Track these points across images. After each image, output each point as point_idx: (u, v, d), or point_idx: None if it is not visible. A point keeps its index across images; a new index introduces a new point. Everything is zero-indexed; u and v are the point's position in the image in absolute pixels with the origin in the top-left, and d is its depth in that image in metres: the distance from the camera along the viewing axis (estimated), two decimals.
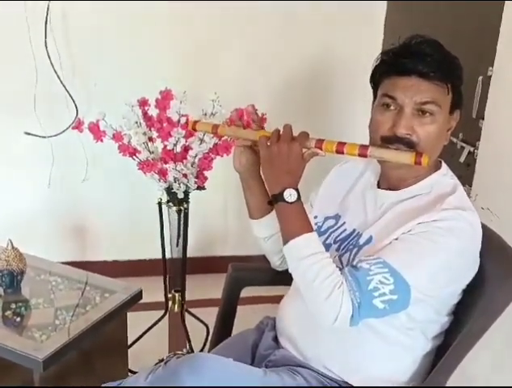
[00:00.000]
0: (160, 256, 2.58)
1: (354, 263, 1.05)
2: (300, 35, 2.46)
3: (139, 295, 1.66)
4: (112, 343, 1.65)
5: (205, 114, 1.78)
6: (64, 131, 2.31)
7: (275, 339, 1.25)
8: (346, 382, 1.12)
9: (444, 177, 1.14)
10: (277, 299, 2.27)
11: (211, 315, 2.19)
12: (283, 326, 1.23)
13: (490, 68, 1.61)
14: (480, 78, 1.60)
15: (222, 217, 2.69)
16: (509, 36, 1.53)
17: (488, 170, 1.63)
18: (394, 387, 1.12)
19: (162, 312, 2.03)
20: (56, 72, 2.23)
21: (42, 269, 1.75)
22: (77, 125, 1.61)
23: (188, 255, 1.95)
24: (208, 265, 2.64)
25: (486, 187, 1.60)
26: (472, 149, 1.71)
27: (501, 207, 1.53)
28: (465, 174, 1.67)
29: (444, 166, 1.17)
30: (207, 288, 2.46)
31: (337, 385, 1.11)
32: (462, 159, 1.72)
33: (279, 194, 1.06)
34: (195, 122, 1.27)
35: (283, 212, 1.07)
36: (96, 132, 1.61)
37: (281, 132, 1.11)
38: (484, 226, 1.10)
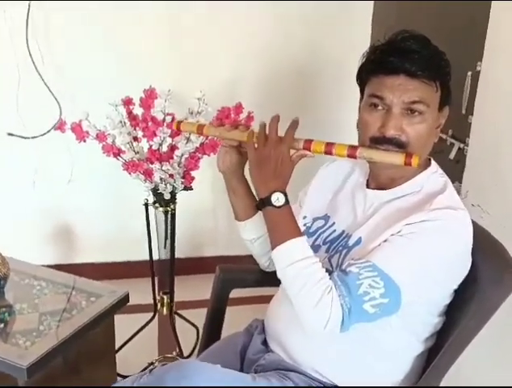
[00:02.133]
0: (144, 258, 2.58)
1: (344, 266, 1.03)
2: (287, 34, 2.43)
3: (126, 298, 1.63)
4: (99, 347, 1.62)
5: (191, 113, 1.75)
6: (48, 131, 2.27)
7: (264, 342, 1.22)
8: (337, 386, 1.10)
9: (434, 175, 1.12)
10: (266, 299, 2.25)
11: (201, 317, 2.18)
12: (272, 330, 1.20)
13: (479, 63, 1.59)
14: (469, 73, 1.58)
15: (210, 217, 2.66)
16: (497, 31, 1.51)
17: (478, 166, 1.61)
18: (387, 387, 1.10)
19: (151, 314, 2.01)
20: (38, 71, 2.18)
21: (26, 273, 1.71)
22: (60, 126, 1.57)
23: (176, 256, 1.93)
24: (197, 266, 2.61)
25: (477, 183, 1.58)
26: (461, 145, 1.69)
27: (491, 203, 1.52)
28: (455, 170, 1.66)
29: (434, 163, 1.15)
30: (196, 289, 2.43)
31: None
32: (452, 156, 1.70)
33: (266, 198, 1.04)
34: (179, 122, 1.23)
35: (270, 217, 1.05)
36: (79, 132, 1.58)
37: (267, 132, 1.08)
38: (475, 224, 1.08)
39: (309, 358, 1.11)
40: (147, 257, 2.59)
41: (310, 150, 1.08)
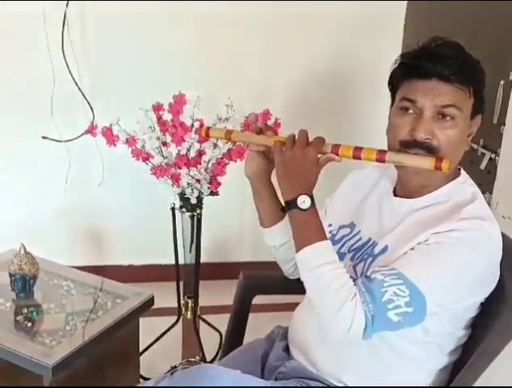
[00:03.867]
0: (172, 261, 2.60)
1: (368, 273, 1.02)
2: (316, 36, 2.42)
3: (151, 301, 1.65)
4: (124, 349, 1.64)
5: (220, 119, 1.76)
6: (80, 135, 2.31)
7: (286, 349, 1.22)
8: None
9: (463, 185, 1.10)
10: (289, 307, 2.24)
11: (224, 322, 2.18)
12: (295, 337, 1.19)
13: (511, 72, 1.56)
14: (502, 82, 1.55)
15: (237, 223, 2.67)
16: None
17: (509, 177, 1.58)
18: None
19: (175, 318, 2.02)
20: (72, 76, 2.23)
21: (55, 273, 1.75)
22: (91, 130, 1.60)
23: (201, 261, 1.93)
24: (222, 271, 2.61)
25: (507, 194, 1.55)
26: (492, 155, 1.66)
27: None
28: (486, 181, 1.63)
29: (463, 173, 1.13)
30: (220, 294, 2.43)
31: None
32: (482, 166, 1.67)
33: (292, 201, 1.03)
34: (208, 128, 1.24)
35: (296, 220, 1.04)
36: (109, 136, 1.61)
37: (296, 138, 1.08)
38: (505, 236, 1.06)
39: (333, 367, 1.10)
40: (172, 261, 2.62)
41: (338, 155, 1.07)
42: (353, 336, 0.96)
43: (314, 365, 1.13)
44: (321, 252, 1.02)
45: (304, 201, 1.03)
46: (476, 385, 1.06)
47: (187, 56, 2.36)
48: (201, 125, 1.64)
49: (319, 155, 1.07)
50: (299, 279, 1.34)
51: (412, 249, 1.02)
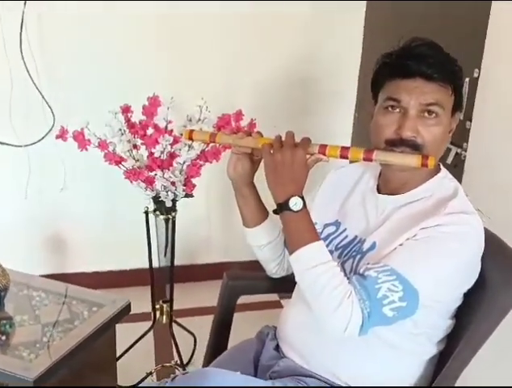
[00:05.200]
0: (142, 266, 2.55)
1: (361, 270, 1.03)
2: (279, 36, 2.43)
3: (128, 307, 1.61)
4: (101, 358, 1.59)
5: (190, 120, 1.75)
6: (40, 139, 2.24)
7: (277, 348, 1.22)
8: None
9: (444, 180, 1.14)
10: (269, 305, 2.25)
11: (197, 325, 2.17)
12: (285, 335, 1.20)
13: (476, 70, 1.62)
14: (467, 79, 1.61)
15: (205, 225, 2.65)
16: (496, 38, 1.54)
17: (477, 171, 1.64)
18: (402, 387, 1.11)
19: (146, 323, 1.99)
20: (32, 78, 2.15)
21: (24, 284, 1.68)
22: (61, 134, 1.55)
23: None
24: (191, 273, 2.60)
25: (476, 188, 1.60)
26: (459, 150, 1.72)
27: (491, 208, 1.54)
28: (453, 175, 1.68)
29: (443, 169, 1.17)
30: (191, 297, 2.43)
31: None
32: (449, 161, 1.73)
33: (284, 203, 1.03)
34: (191, 131, 1.22)
35: (288, 221, 1.05)
36: (81, 140, 1.56)
37: (283, 139, 1.09)
38: (484, 228, 1.10)
39: (325, 362, 1.12)
40: (141, 265, 2.57)
41: (325, 155, 1.08)
42: (350, 334, 0.98)
43: (307, 362, 1.14)
44: (316, 253, 1.03)
45: (295, 203, 1.03)
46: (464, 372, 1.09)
47: (150, 56, 2.32)
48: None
49: (307, 156, 1.08)
50: (283, 278, 1.37)
51: (401, 245, 1.05)
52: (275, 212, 1.08)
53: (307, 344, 1.14)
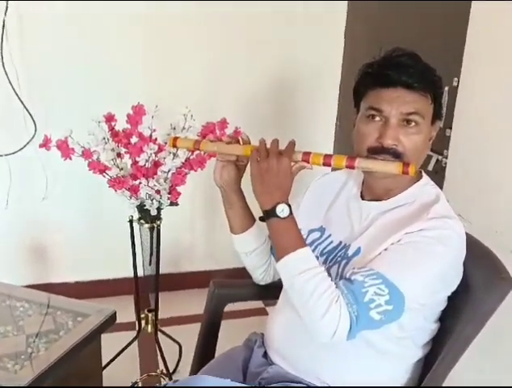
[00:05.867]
0: (123, 275, 2.54)
1: (347, 275, 1.05)
2: (261, 39, 2.45)
3: (113, 317, 1.60)
4: (87, 368, 1.58)
5: (174, 128, 1.75)
6: (22, 148, 2.22)
7: (265, 355, 1.23)
8: None
9: (426, 186, 1.16)
10: (254, 313, 2.25)
11: (181, 333, 2.16)
12: (272, 342, 1.21)
13: (455, 79, 1.66)
14: (447, 88, 1.65)
15: (188, 233, 2.65)
16: (475, 47, 1.58)
17: (457, 177, 1.68)
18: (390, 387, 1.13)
19: (129, 333, 1.97)
20: (12, 86, 2.13)
21: (6, 294, 1.67)
22: (45, 143, 1.54)
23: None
24: (174, 282, 2.59)
25: (456, 193, 1.64)
26: (439, 157, 1.76)
27: (472, 213, 1.58)
28: (434, 181, 1.71)
29: (425, 175, 1.19)
30: (174, 305, 2.42)
31: None
32: (430, 167, 1.76)
33: (271, 210, 1.05)
34: (175, 138, 1.23)
35: (275, 228, 1.06)
36: (64, 149, 1.55)
37: (267, 146, 1.10)
38: (466, 233, 1.13)
39: (313, 368, 1.13)
40: (122, 274, 2.55)
41: (309, 162, 1.10)
42: (338, 338, 0.99)
43: (295, 369, 1.15)
44: (303, 259, 1.04)
45: (282, 210, 1.05)
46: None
47: (132, 65, 2.32)
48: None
49: (291, 164, 1.10)
50: (269, 285, 1.38)
51: (385, 249, 1.06)
52: (262, 219, 1.09)
53: (294, 350, 1.15)
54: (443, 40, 1.77)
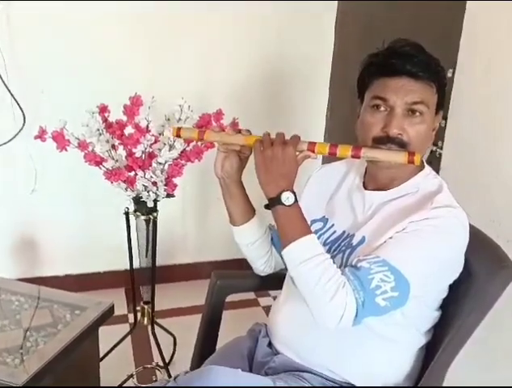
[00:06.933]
0: (112, 268, 2.52)
1: (353, 262, 1.06)
2: (251, 37, 2.45)
3: (111, 310, 1.59)
4: (85, 361, 1.57)
5: (168, 119, 1.73)
6: (10, 140, 2.18)
7: (270, 345, 1.23)
8: (349, 383, 1.13)
9: (428, 176, 1.18)
10: (247, 304, 2.25)
11: (175, 326, 2.15)
12: (277, 332, 1.21)
13: (450, 70, 1.68)
14: None
15: (179, 225, 2.63)
16: (471, 36, 1.60)
17: (453, 168, 1.69)
18: (402, 387, 1.14)
19: (122, 326, 1.96)
20: (1, 77, 2.09)
21: (1, 288, 1.64)
22: (41, 134, 1.52)
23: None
24: (166, 274, 2.57)
25: (452, 184, 1.66)
26: (433, 148, 1.77)
27: (468, 203, 1.59)
28: None
29: (427, 166, 1.20)
30: (167, 298, 2.41)
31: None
32: (425, 158, 1.77)
33: (276, 197, 1.05)
34: (179, 129, 1.22)
35: (281, 216, 1.06)
36: (60, 140, 1.53)
37: (272, 137, 1.10)
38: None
39: (320, 357, 1.14)
40: (112, 268, 2.53)
41: (314, 152, 1.11)
42: (344, 324, 0.99)
43: (302, 358, 1.15)
44: (309, 246, 1.04)
45: (288, 198, 1.05)
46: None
47: (124, 56, 2.28)
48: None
49: (296, 153, 1.10)
50: (270, 275, 1.38)
51: (390, 238, 1.07)
52: (267, 207, 1.09)
53: (300, 341, 1.16)
54: (438, 31, 1.78)
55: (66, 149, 1.55)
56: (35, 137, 1.52)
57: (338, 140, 1.15)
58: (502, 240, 1.31)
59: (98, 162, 1.58)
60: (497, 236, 1.26)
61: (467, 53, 1.62)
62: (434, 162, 1.78)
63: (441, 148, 1.74)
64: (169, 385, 1.02)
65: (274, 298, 2.06)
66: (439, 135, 1.74)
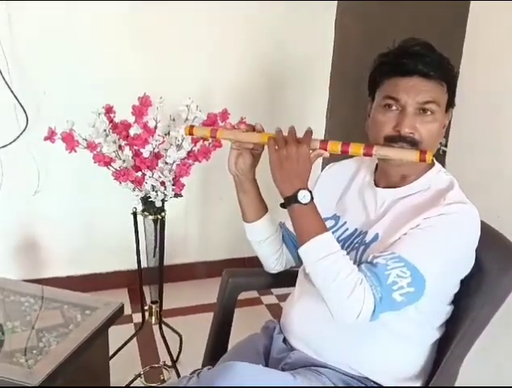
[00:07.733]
0: (115, 269, 2.53)
1: (369, 259, 1.07)
2: (252, 35, 2.46)
3: (121, 310, 1.60)
4: (96, 361, 1.58)
5: (173, 119, 1.74)
6: (13, 141, 2.18)
7: (285, 341, 1.24)
8: (367, 378, 1.14)
9: (439, 173, 1.19)
10: (250, 303, 2.26)
11: (180, 325, 2.16)
12: (293, 329, 1.22)
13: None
14: None
15: (182, 224, 2.64)
16: (475, 34, 1.62)
17: (457, 164, 1.71)
18: (419, 387, 1.16)
19: (127, 326, 1.97)
20: (3, 77, 2.09)
21: (9, 290, 1.65)
22: (50, 135, 1.52)
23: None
24: (169, 274, 2.58)
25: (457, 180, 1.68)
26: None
27: (472, 200, 1.61)
28: None
29: (437, 163, 1.22)
30: (171, 297, 2.41)
31: (362, 385, 1.13)
32: None
33: (292, 196, 1.06)
34: (192, 127, 1.23)
35: (297, 214, 1.07)
36: (70, 141, 1.53)
37: (287, 135, 1.11)
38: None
39: (336, 354, 1.15)
40: (114, 268, 2.52)
41: (327, 150, 1.12)
42: (363, 319, 1.01)
43: (319, 355, 1.17)
44: (326, 243, 1.06)
45: (304, 196, 1.06)
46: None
47: (128, 57, 2.29)
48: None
49: (309, 151, 1.11)
50: (281, 273, 1.39)
51: (405, 234, 1.09)
52: (283, 205, 1.10)
53: (317, 337, 1.17)
54: (441, 30, 1.80)
55: (75, 151, 1.56)
56: (45, 139, 1.53)
57: (338, 140, 1.15)
58: (508, 236, 1.32)
59: (106, 162, 1.59)
60: (503, 232, 1.27)
61: (471, 51, 1.63)
62: (438, 159, 1.79)
63: (445, 145, 1.76)
64: (192, 380, 1.03)
65: (277, 297, 2.08)
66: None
